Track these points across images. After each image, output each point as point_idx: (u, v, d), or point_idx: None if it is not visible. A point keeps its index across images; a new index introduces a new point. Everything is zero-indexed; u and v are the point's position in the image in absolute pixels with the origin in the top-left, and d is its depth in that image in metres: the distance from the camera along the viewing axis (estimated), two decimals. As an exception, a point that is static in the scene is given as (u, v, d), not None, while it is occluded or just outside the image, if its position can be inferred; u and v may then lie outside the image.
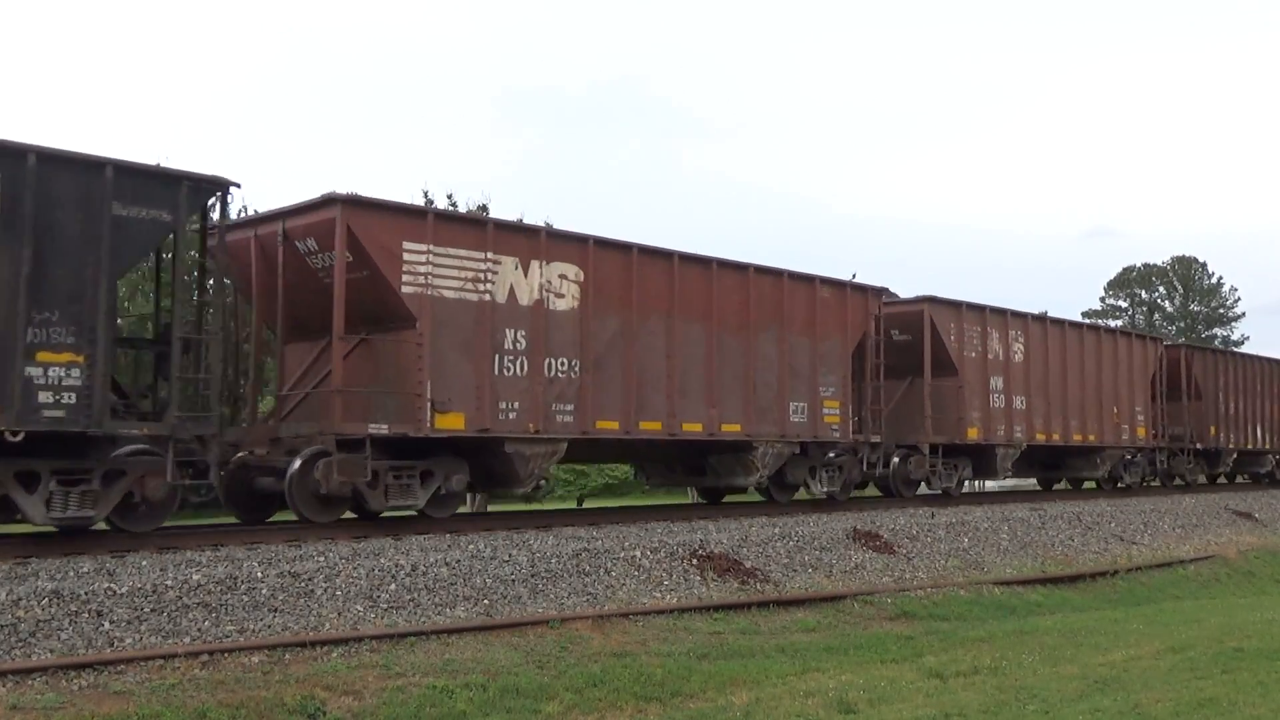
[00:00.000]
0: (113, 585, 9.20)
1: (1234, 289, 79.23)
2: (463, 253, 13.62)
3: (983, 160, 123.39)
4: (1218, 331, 77.18)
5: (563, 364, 14.56)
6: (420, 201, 33.74)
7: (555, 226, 15.44)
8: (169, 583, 9.46)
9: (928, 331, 20.61)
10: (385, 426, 12.74)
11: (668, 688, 8.99)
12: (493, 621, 10.25)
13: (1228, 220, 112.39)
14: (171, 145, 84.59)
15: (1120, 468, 26.02)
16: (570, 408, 14.59)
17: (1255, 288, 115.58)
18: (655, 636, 10.62)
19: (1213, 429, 29.12)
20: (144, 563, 10.36)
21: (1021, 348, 22.66)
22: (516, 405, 13.96)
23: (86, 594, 8.98)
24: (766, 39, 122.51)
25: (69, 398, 10.43)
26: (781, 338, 17.47)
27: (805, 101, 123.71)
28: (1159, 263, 79.36)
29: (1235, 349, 57.58)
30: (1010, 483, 29.68)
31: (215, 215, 11.99)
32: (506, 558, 11.77)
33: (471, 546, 12.23)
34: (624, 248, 15.50)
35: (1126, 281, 79.75)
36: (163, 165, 11.29)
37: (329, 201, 12.78)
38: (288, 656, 8.78)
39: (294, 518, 12.97)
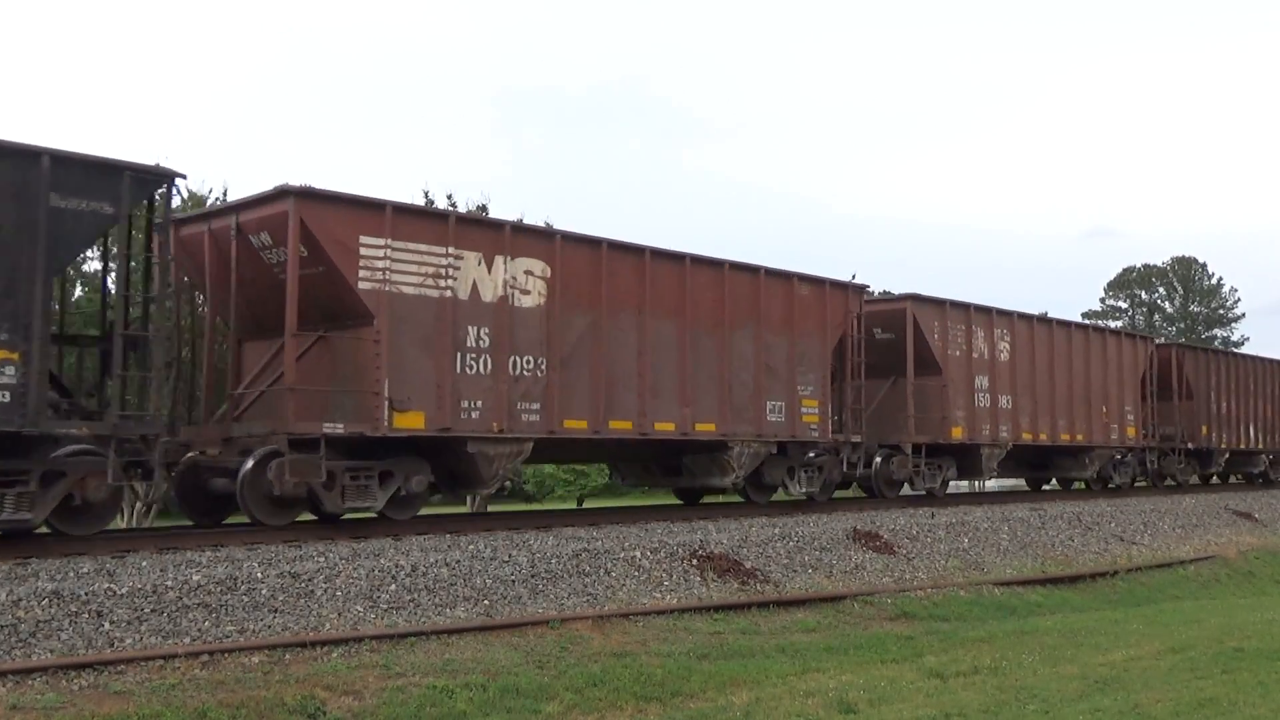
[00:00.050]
0: (113, 585, 9.28)
1: (1234, 289, 79.83)
2: (423, 247, 13.32)
3: (983, 160, 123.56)
4: (1218, 332, 77.37)
5: (528, 362, 14.24)
6: (420, 201, 33.43)
7: (522, 221, 15.07)
8: (169, 583, 9.53)
9: (910, 330, 20.34)
10: (341, 426, 12.44)
11: (668, 688, 9.07)
12: (493, 622, 10.38)
13: (1228, 220, 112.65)
14: (172, 145, 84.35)
15: (1110, 468, 25.83)
16: (536, 407, 14.28)
17: (1255, 288, 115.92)
18: (655, 637, 10.72)
19: (1204, 429, 28.89)
20: (144, 563, 10.46)
21: (1007, 346, 22.39)
22: (479, 404, 13.64)
23: (86, 594, 9.06)
24: (766, 39, 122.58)
25: (2, 396, 10.09)
26: (758, 335, 17.19)
27: (805, 101, 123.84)
28: (1159, 263, 79.83)
29: (1233, 349, 57.12)
30: (1010, 482, 29.34)
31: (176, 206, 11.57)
32: (506, 558, 11.86)
33: (471, 547, 12.32)
34: (593, 243, 15.23)
35: (1126, 282, 79.82)
36: (104, 155, 10.89)
37: (282, 194, 12.50)
38: (288, 656, 8.89)
39: (247, 520, 12.57)
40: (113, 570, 10.02)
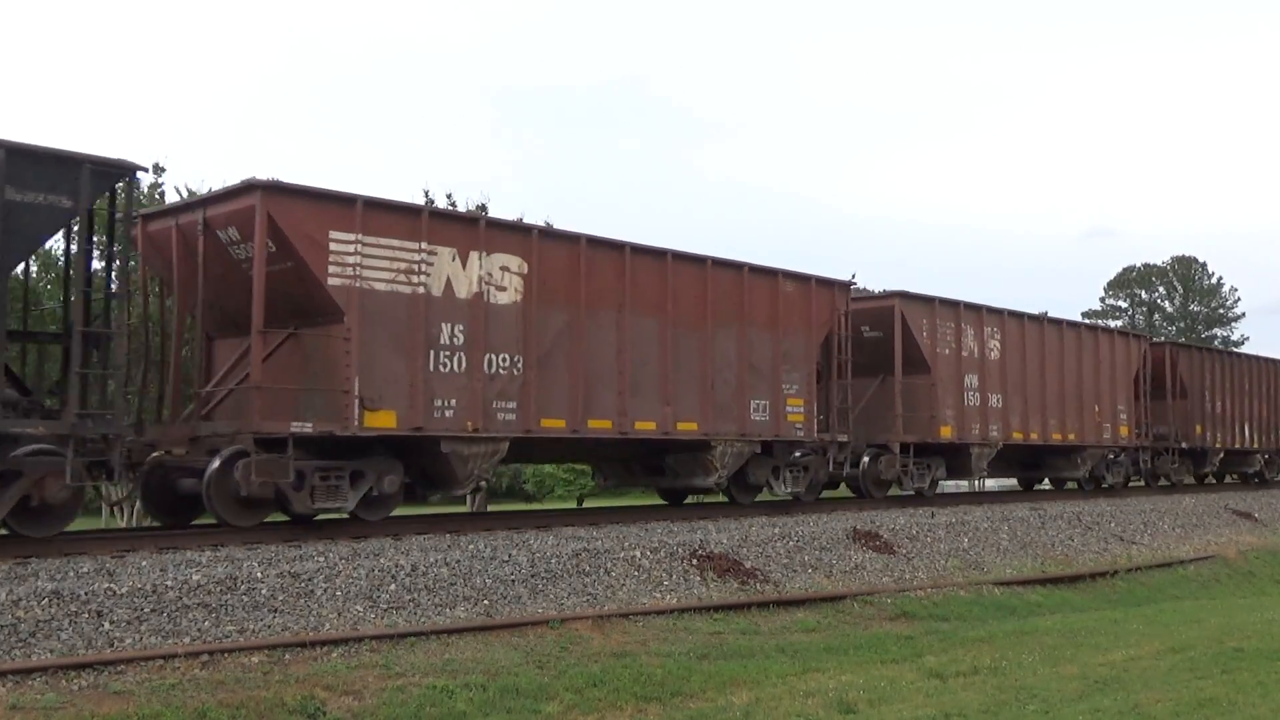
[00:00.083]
0: (113, 585, 9.36)
1: (1234, 289, 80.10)
2: (395, 243, 13.11)
3: (983, 160, 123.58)
4: (1218, 332, 77.16)
5: (504, 360, 14.02)
6: (421, 201, 33.13)
7: (497, 216, 14.85)
8: (169, 583, 9.61)
9: (899, 327, 20.17)
10: (310, 425, 12.23)
11: (668, 688, 9.13)
12: (493, 621, 10.47)
13: (1228, 220, 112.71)
14: (172, 145, 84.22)
15: (1102, 467, 25.63)
16: (513, 405, 14.08)
17: (1255, 288, 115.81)
18: (655, 636, 10.79)
19: (1199, 428, 28.75)
20: (144, 563, 10.50)
21: (998, 345, 22.22)
22: (453, 403, 13.43)
23: (86, 594, 9.13)
24: (766, 39, 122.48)
25: (-44, 393, 9.83)
26: (742, 333, 17.01)
27: (805, 101, 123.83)
28: (1159, 263, 79.89)
29: (1232, 348, 56.84)
30: (1011, 481, 29.11)
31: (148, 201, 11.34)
32: (506, 558, 11.95)
33: (471, 546, 12.39)
34: (571, 239, 15.05)
35: (1126, 282, 79.81)
36: (61, 148, 10.66)
37: (249, 188, 12.34)
38: (288, 656, 8.96)
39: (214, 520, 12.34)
40: (112, 570, 10.08)
